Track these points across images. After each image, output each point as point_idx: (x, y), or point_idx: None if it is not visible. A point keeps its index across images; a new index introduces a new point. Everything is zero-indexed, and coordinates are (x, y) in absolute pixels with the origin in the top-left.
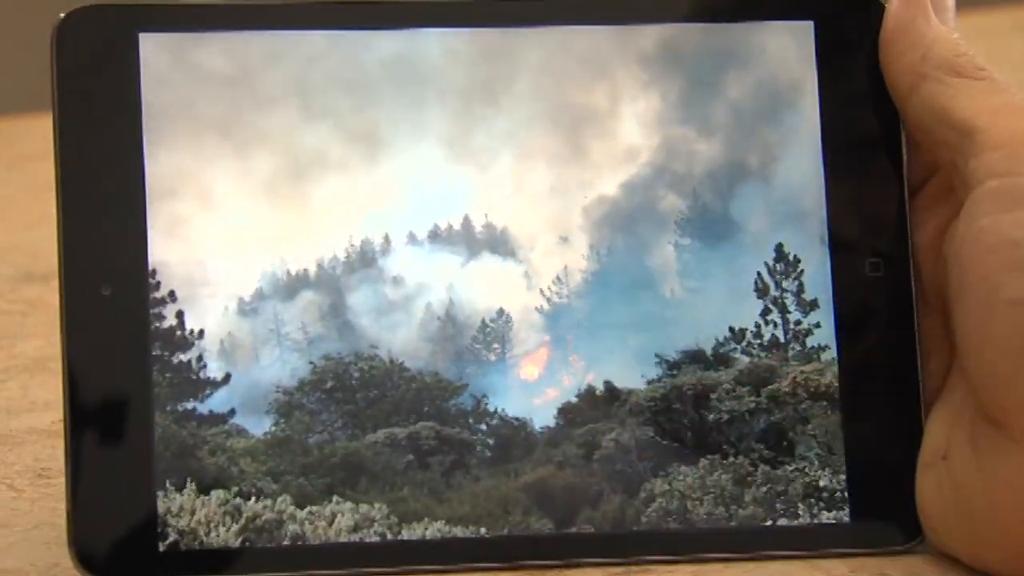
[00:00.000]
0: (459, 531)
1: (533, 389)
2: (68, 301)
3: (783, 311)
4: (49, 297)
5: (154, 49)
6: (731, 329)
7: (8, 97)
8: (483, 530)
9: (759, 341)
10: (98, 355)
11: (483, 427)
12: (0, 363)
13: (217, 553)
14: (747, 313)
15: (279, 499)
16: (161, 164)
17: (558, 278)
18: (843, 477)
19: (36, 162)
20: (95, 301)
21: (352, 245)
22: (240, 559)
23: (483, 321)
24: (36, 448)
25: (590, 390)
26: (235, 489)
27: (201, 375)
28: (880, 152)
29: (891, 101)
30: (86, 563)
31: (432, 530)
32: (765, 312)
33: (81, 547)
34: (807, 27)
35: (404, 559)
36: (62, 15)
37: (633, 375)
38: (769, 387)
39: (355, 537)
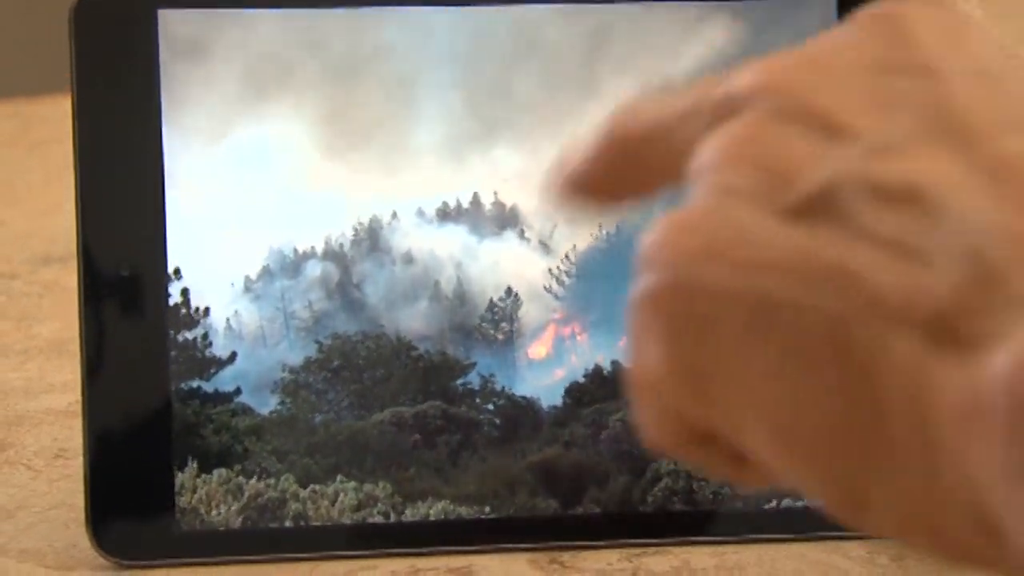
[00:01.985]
0: (464, 511)
1: (541, 369)
2: (87, 282)
3: None
4: (67, 279)
5: (173, 26)
6: None
7: (26, 79)
8: (488, 510)
9: None
10: (116, 335)
11: (490, 407)
12: (18, 344)
13: (218, 533)
14: None
15: (282, 478)
16: (179, 143)
17: (567, 257)
18: None
19: (54, 145)
20: (114, 282)
21: (360, 223)
22: (241, 538)
23: (491, 300)
24: (54, 429)
25: (598, 370)
26: (238, 468)
27: (207, 353)
28: None
29: None
30: (104, 543)
31: (436, 509)
32: None
33: (99, 527)
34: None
35: (407, 539)
36: None
37: None
38: None
39: (358, 517)
